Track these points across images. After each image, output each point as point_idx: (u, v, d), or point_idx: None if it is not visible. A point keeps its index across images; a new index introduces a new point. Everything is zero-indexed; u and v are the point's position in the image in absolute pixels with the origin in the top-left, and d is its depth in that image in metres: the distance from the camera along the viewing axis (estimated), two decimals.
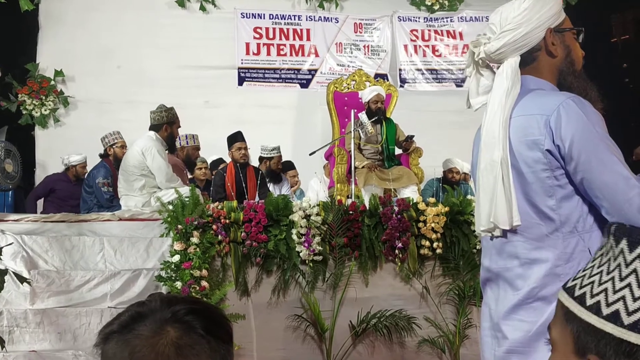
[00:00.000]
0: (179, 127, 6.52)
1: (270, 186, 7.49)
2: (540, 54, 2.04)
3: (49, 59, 9.32)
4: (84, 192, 7.09)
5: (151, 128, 6.40)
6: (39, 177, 8.85)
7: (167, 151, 6.40)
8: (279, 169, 7.74)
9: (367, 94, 7.40)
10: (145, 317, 1.20)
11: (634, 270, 0.95)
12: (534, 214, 1.95)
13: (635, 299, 0.94)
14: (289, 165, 8.38)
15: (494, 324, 2.07)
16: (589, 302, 0.98)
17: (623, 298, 0.95)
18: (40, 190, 7.97)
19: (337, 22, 10.30)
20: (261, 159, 7.96)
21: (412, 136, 7.19)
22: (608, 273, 0.98)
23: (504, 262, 2.02)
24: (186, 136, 7.46)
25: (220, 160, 8.27)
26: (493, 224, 1.98)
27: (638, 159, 6.81)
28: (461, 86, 10.48)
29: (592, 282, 1.00)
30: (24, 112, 9.12)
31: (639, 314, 0.93)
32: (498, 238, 2.03)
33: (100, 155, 7.37)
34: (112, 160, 7.32)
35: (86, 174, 7.42)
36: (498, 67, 2.05)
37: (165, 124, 6.38)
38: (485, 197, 2.00)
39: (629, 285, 0.95)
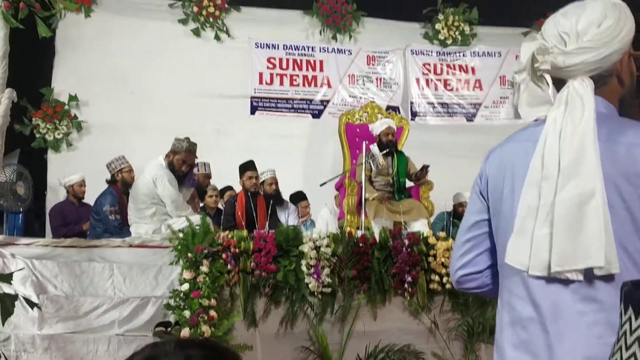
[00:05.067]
0: (185, 161, 6.43)
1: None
2: (611, 78, 1.83)
3: (63, 83, 9.39)
4: (92, 220, 7.09)
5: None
6: (50, 200, 8.87)
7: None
8: (275, 190, 7.68)
9: (378, 126, 7.42)
10: (158, 359, 1.19)
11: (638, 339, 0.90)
12: (623, 257, 1.69)
13: None
14: (301, 196, 8.37)
15: None
16: None
17: None
18: (61, 222, 7.93)
19: (350, 54, 10.36)
20: None
21: (427, 166, 7.18)
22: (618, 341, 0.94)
23: (573, 304, 1.72)
24: (197, 164, 7.47)
25: (228, 188, 8.28)
26: (575, 265, 1.70)
27: None
28: (472, 121, 10.52)
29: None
30: (37, 135, 9.16)
31: None
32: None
33: (108, 182, 7.37)
34: (119, 186, 7.31)
35: (94, 201, 7.40)
36: (557, 81, 1.81)
37: (171, 152, 6.41)
38: (565, 234, 1.70)
39: (633, 354, 0.90)
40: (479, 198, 1.95)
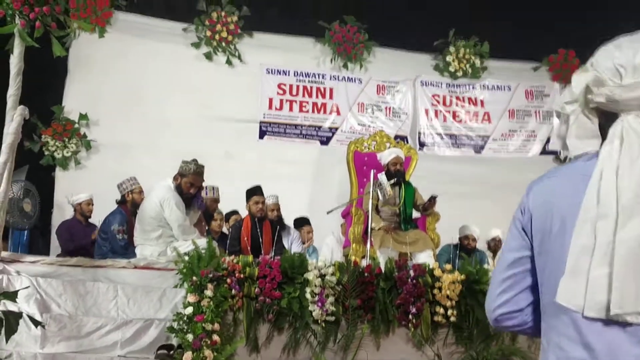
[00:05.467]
0: (193, 183, 6.40)
1: None
2: None
3: (74, 102, 9.43)
4: (99, 238, 7.09)
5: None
6: (56, 218, 8.88)
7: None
8: (277, 216, 7.67)
9: (386, 155, 7.42)
10: None
11: None
12: None
13: None
14: (304, 221, 8.36)
15: None
16: None
17: None
18: (68, 238, 7.92)
19: (361, 82, 10.41)
20: None
21: (436, 197, 7.16)
22: None
23: (631, 347, 1.65)
24: (206, 188, 7.48)
25: (234, 212, 8.27)
26: (637, 307, 1.61)
27: None
28: (479, 153, 10.54)
29: None
30: (46, 152, 9.19)
31: None
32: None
33: (117, 202, 7.39)
34: (129, 206, 7.33)
35: (101, 220, 7.41)
36: (605, 115, 1.75)
37: (178, 174, 6.41)
38: (626, 274, 1.63)
39: None
40: (520, 234, 1.87)
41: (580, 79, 1.77)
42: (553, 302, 1.71)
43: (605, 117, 1.74)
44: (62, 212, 8.72)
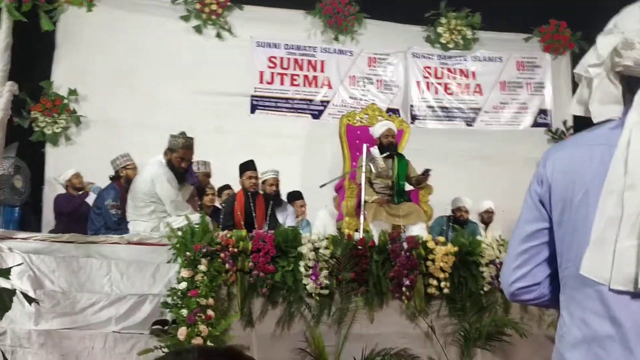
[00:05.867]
0: (183, 158, 6.38)
1: None
2: None
3: (63, 77, 9.35)
4: (92, 214, 7.07)
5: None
6: (47, 194, 8.84)
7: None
8: (275, 191, 7.66)
9: (379, 129, 7.40)
10: None
11: None
12: None
13: None
14: (297, 195, 8.35)
15: None
16: None
17: None
18: (64, 208, 7.92)
19: (352, 55, 10.35)
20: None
21: (429, 170, 7.15)
22: None
23: None
24: (197, 162, 7.45)
25: (226, 187, 8.26)
26: None
27: None
28: (471, 125, 10.51)
29: None
30: (36, 129, 9.12)
31: None
32: None
33: (111, 178, 7.36)
34: (123, 182, 7.29)
35: (96, 195, 7.40)
36: (629, 80, 1.68)
37: (168, 149, 6.38)
38: None
39: None
40: (536, 206, 1.80)
41: (607, 41, 1.68)
42: (576, 274, 1.66)
43: (628, 83, 1.68)
44: (53, 188, 8.67)
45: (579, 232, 1.67)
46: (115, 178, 7.28)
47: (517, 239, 1.86)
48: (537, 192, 1.81)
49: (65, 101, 9.25)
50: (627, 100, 1.66)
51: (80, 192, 7.99)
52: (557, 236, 1.76)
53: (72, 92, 9.26)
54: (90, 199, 7.70)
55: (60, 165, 8.71)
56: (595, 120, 1.70)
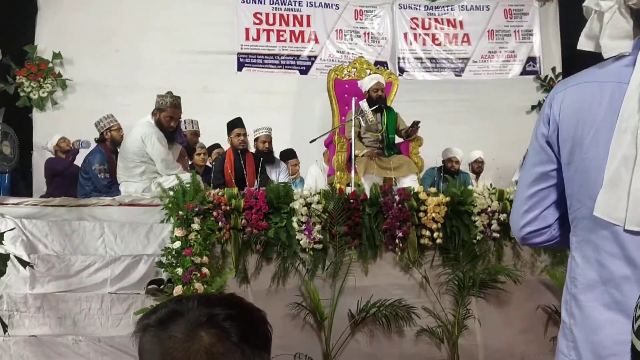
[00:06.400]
0: (172, 117, 6.34)
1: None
2: None
3: (47, 41, 9.24)
4: (80, 178, 7.04)
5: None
6: (36, 160, 8.81)
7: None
8: (267, 148, 7.66)
9: (367, 82, 7.37)
10: (181, 316, 1.20)
11: None
12: None
13: None
14: (290, 153, 8.34)
15: None
16: (635, 327, 0.88)
17: None
18: (58, 167, 7.88)
19: (338, 8, 10.23)
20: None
21: (418, 122, 7.13)
22: None
23: None
24: (185, 121, 7.42)
25: (216, 146, 8.24)
26: None
27: None
28: (460, 76, 10.46)
29: None
30: (22, 94, 9.04)
31: None
32: None
33: (96, 140, 7.32)
34: (108, 144, 7.26)
35: (82, 159, 7.36)
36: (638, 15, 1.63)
37: (156, 109, 6.34)
38: None
39: None
40: (543, 148, 1.76)
41: None
42: (589, 215, 1.62)
43: (639, 18, 1.63)
44: (42, 154, 8.62)
45: (591, 172, 1.63)
46: (100, 141, 7.24)
47: (525, 182, 1.82)
48: (544, 134, 1.76)
49: (50, 65, 9.16)
50: (637, 35, 1.62)
51: (68, 150, 7.92)
52: (566, 177, 1.72)
53: (57, 55, 9.16)
54: (80, 156, 7.61)
55: (48, 130, 8.65)
56: (605, 56, 1.64)
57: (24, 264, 3.88)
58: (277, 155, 8.08)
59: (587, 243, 1.66)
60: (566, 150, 1.69)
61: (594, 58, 1.74)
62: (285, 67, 10.02)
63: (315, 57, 10.11)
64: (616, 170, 1.56)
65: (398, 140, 7.38)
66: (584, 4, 1.68)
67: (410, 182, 6.69)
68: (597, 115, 1.62)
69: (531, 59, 10.57)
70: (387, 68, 9.41)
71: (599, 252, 1.63)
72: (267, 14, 10.03)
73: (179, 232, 4.86)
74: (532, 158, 1.81)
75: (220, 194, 5.26)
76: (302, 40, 10.11)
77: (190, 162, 7.37)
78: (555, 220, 1.82)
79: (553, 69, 10.40)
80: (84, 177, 6.99)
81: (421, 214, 5.54)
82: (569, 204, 1.72)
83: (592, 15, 1.67)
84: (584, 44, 1.70)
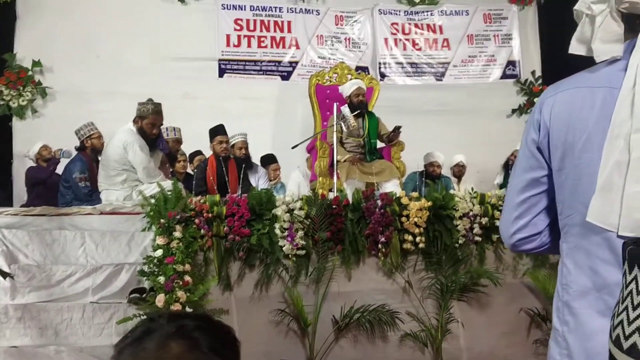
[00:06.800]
0: (154, 124, 6.36)
1: None
2: None
3: (26, 48, 9.18)
4: (61, 187, 7.00)
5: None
6: (17, 169, 8.75)
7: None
8: (244, 154, 7.64)
9: (348, 88, 7.40)
10: (153, 332, 1.23)
11: None
12: None
13: None
14: (271, 159, 8.34)
15: None
16: (613, 336, 0.88)
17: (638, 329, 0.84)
18: (39, 176, 7.81)
19: (318, 14, 10.26)
20: None
21: (400, 127, 7.16)
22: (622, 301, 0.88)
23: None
24: (167, 129, 7.40)
25: (198, 153, 8.23)
26: None
27: None
28: (440, 80, 10.51)
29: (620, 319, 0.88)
30: (1, 102, 8.98)
31: None
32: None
33: (77, 149, 7.28)
34: (89, 152, 7.22)
35: (63, 168, 7.31)
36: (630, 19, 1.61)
37: (138, 117, 6.33)
38: None
39: None
40: (533, 153, 1.74)
41: None
42: (581, 222, 1.60)
43: (628, 21, 1.61)
44: (22, 162, 8.57)
45: (583, 178, 1.61)
46: (81, 149, 7.21)
47: (515, 188, 1.81)
48: (534, 140, 1.74)
49: (30, 73, 9.12)
50: (627, 39, 1.60)
51: (50, 159, 7.86)
52: (557, 183, 1.71)
53: (36, 63, 9.11)
54: (61, 165, 7.57)
55: (28, 139, 8.60)
56: (597, 60, 1.63)
57: (4, 274, 3.86)
58: (257, 160, 8.07)
59: (579, 250, 1.65)
60: (557, 156, 1.68)
61: (573, 60, 1.74)
62: (267, 73, 10.03)
63: (297, 62, 10.12)
64: (609, 176, 1.54)
65: (380, 145, 7.40)
66: (575, 7, 1.67)
67: (392, 186, 6.70)
68: (589, 121, 1.61)
69: (511, 63, 10.64)
70: (368, 73, 9.45)
71: (591, 258, 1.62)
72: (247, 20, 10.04)
73: (160, 240, 4.83)
74: (522, 164, 1.79)
75: (202, 201, 5.23)
76: (283, 46, 10.13)
77: (171, 170, 7.35)
78: (545, 226, 1.81)
79: (533, 73, 10.48)
80: (65, 185, 6.95)
81: (403, 219, 5.54)
82: (560, 211, 1.71)
83: (584, 19, 1.66)
84: (575, 47, 1.68)
